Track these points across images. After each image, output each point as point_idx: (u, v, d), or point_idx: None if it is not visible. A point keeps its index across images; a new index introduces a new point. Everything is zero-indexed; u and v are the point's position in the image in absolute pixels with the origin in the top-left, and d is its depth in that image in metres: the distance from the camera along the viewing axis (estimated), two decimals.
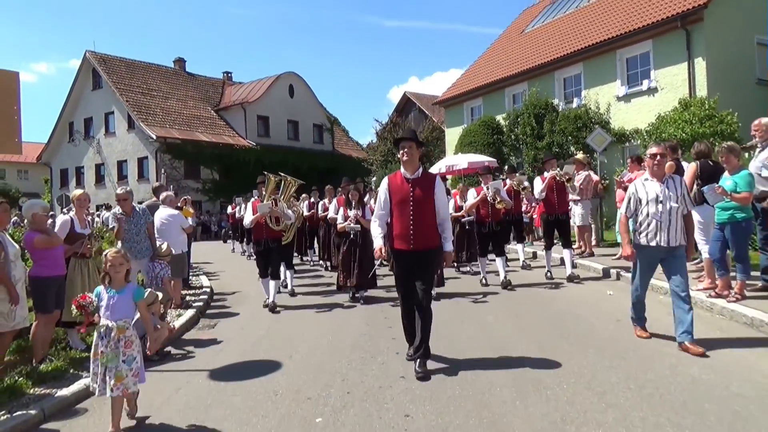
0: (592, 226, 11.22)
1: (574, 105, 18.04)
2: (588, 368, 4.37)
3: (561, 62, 18.75)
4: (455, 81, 25.72)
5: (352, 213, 8.01)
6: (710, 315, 5.92)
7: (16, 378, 4.53)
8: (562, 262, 8.92)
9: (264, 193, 7.94)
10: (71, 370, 4.92)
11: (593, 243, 11.02)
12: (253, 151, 32.44)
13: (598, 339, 5.26)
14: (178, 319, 6.94)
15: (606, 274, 8.84)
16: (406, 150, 4.59)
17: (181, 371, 4.99)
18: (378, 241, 4.75)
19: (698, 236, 6.36)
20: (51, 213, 11.36)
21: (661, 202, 4.73)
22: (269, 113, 34.79)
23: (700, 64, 14.42)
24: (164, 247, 6.82)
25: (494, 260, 8.59)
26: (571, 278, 8.42)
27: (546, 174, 8.71)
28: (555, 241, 9.14)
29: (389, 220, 4.78)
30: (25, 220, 6.57)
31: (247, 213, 8.06)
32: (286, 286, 9.00)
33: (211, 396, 4.28)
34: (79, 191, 6.48)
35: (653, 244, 4.79)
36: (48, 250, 5.21)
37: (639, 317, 5.23)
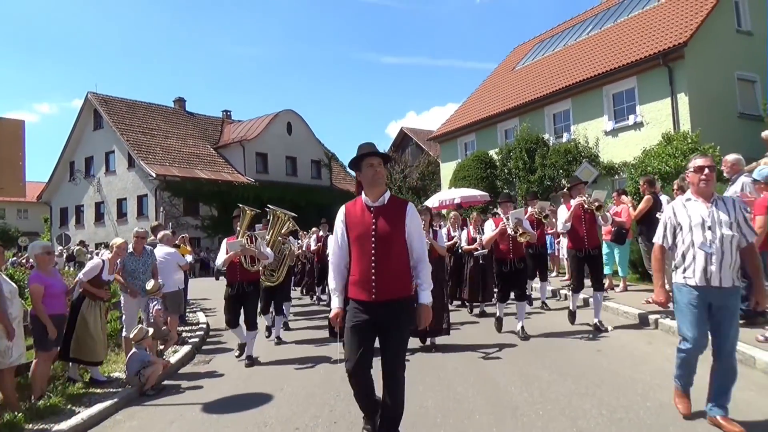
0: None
1: (564, 139, 18.50)
2: None
3: (550, 98, 19.29)
4: (449, 117, 26.31)
5: None
6: (749, 370, 5.06)
7: (15, 414, 4.70)
8: (586, 303, 8.22)
9: (238, 228, 6.84)
10: (69, 406, 5.09)
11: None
12: (252, 188, 32.83)
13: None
14: (174, 354, 7.11)
15: (643, 321, 7.42)
16: (374, 166, 3.44)
17: (176, 405, 5.16)
18: (336, 302, 3.54)
19: None
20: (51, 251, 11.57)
21: (709, 228, 3.67)
22: (268, 150, 35.36)
23: (682, 99, 14.89)
24: (150, 285, 6.92)
25: (514, 303, 7.36)
26: (599, 328, 7.11)
27: (572, 201, 7.40)
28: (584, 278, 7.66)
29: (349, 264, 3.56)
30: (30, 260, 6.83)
31: (221, 251, 6.73)
32: (269, 335, 8.15)
33: (203, 428, 4.45)
34: (119, 240, 6.80)
35: (700, 283, 3.70)
36: (48, 289, 5.44)
37: (685, 382, 3.99)
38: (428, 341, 6.87)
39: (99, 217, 34.10)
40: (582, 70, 18.48)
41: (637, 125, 16.24)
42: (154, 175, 29.66)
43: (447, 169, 24.30)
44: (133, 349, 5.96)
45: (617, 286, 9.75)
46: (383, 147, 38.89)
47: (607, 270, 9.43)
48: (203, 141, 35.91)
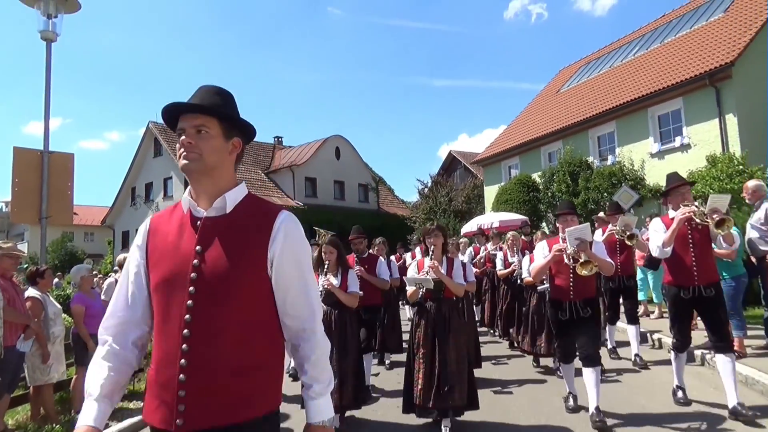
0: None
1: (609, 162, 18.15)
2: None
3: (594, 121, 19.02)
4: (493, 140, 26.31)
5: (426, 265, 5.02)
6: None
7: (53, 426, 5.10)
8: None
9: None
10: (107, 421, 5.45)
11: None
12: (301, 211, 33.65)
13: None
14: None
15: (689, 357, 5.98)
16: (186, 131, 1.76)
17: None
18: (86, 417, 1.71)
19: None
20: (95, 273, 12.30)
21: None
22: (316, 174, 36.24)
23: (731, 120, 14.40)
24: None
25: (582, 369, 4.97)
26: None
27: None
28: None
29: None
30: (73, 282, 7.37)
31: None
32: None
33: None
34: (123, 255, 7.28)
35: None
36: (89, 309, 5.89)
37: None
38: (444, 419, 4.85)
39: None
40: (627, 92, 18.18)
41: (684, 147, 15.78)
42: None
43: (490, 193, 24.22)
44: None
45: (652, 312, 9.48)
46: (433, 170, 39.11)
47: (641, 296, 9.20)
48: (255, 166, 37.20)
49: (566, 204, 5.45)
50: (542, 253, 5.14)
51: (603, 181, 16.91)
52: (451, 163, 38.81)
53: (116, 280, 6.77)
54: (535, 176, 20.60)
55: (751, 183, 6.01)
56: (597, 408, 4.64)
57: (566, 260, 4.84)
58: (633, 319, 6.76)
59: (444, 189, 31.65)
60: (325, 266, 5.09)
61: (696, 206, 4.84)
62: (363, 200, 39.14)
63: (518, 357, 7.80)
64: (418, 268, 5.07)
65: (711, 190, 11.82)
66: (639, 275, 9.06)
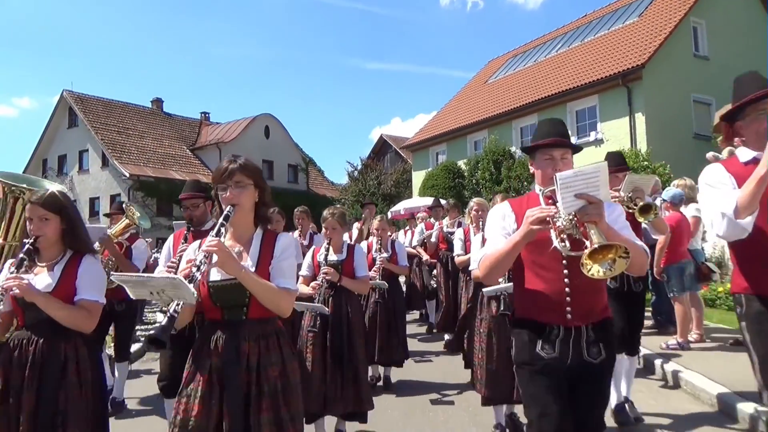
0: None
1: None
2: None
3: (518, 112, 19.86)
4: (423, 126, 26.83)
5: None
6: None
7: None
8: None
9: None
10: None
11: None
12: None
13: None
14: None
15: (725, 408, 4.37)
16: None
17: None
18: None
19: None
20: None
21: None
22: (244, 153, 34.01)
23: (640, 119, 15.53)
24: None
25: None
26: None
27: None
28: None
29: None
30: None
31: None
32: None
33: None
34: None
35: None
36: None
37: None
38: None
39: None
40: (548, 87, 19.08)
41: (598, 142, 16.84)
42: (127, 174, 29.62)
43: (418, 178, 24.75)
44: None
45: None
46: (364, 153, 39.28)
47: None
48: (179, 142, 35.89)
49: (554, 126, 2.55)
50: (503, 227, 2.48)
51: (524, 170, 17.73)
52: (382, 146, 39.13)
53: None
54: (461, 163, 21.25)
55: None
56: None
57: (556, 241, 2.18)
58: (632, 348, 4.21)
59: (374, 172, 31.93)
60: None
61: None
62: (292, 181, 38.78)
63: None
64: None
65: None
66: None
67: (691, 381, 4.97)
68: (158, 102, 38.35)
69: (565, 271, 2.32)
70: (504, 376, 3.89)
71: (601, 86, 16.54)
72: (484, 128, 21.51)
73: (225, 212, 2.27)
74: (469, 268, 4.50)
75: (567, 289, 2.32)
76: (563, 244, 2.15)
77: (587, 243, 2.02)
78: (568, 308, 2.32)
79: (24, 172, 34.98)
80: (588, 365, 2.33)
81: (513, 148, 19.68)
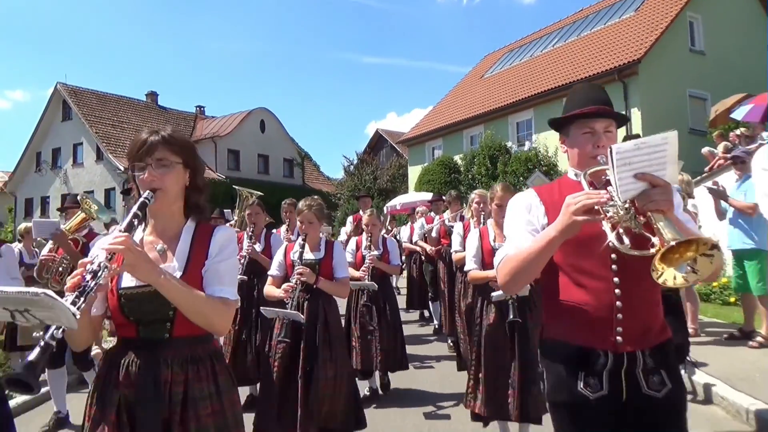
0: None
1: (526, 148, 19.02)
2: None
3: (514, 107, 19.82)
4: (419, 121, 26.77)
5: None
6: None
7: None
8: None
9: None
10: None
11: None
12: (223, 184, 32.73)
13: None
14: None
15: (707, 396, 4.54)
16: None
17: None
18: None
19: None
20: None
21: None
22: (240, 147, 35.36)
23: (636, 114, 15.51)
24: None
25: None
26: None
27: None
28: None
29: None
30: None
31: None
32: None
33: None
34: (25, 225, 6.94)
35: None
36: None
37: None
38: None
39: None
40: (545, 81, 19.04)
41: None
42: (122, 168, 29.43)
43: (414, 173, 24.71)
44: None
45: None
46: (360, 148, 39.23)
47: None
48: None
49: (594, 91, 2.02)
50: (528, 221, 1.94)
51: (519, 165, 17.76)
52: (378, 141, 39.05)
53: (19, 251, 6.40)
54: (457, 158, 21.22)
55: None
56: None
57: (612, 236, 1.58)
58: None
59: (370, 167, 31.89)
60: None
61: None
62: (288, 175, 38.69)
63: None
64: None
65: None
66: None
67: (684, 375, 4.98)
68: (153, 95, 38.19)
69: (616, 279, 1.76)
70: (499, 391, 3.56)
71: (597, 81, 16.44)
72: (480, 123, 21.47)
73: (141, 199, 1.75)
74: (465, 268, 4.06)
75: (618, 303, 1.75)
76: (621, 241, 1.56)
77: (653, 240, 1.49)
78: (619, 328, 1.76)
79: (18, 165, 34.84)
80: (651, 401, 1.75)
81: (509, 143, 19.68)
